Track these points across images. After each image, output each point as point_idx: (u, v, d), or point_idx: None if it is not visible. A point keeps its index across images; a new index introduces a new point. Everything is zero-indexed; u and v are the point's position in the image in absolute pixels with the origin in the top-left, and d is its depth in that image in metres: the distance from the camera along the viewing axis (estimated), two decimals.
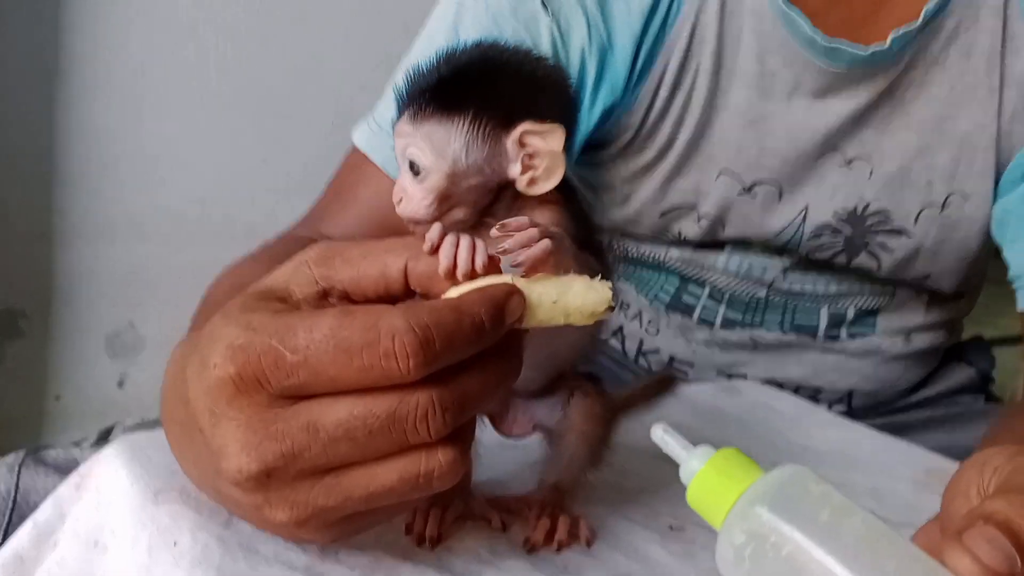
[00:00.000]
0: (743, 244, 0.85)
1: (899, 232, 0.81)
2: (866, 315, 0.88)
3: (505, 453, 0.57)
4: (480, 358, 0.38)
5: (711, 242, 0.85)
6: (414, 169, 0.45)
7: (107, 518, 0.49)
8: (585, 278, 0.40)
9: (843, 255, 0.83)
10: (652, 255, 0.89)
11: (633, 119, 0.78)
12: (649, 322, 0.91)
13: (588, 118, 0.76)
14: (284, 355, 0.36)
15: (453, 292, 0.39)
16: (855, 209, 0.80)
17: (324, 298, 0.41)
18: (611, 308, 0.40)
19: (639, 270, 0.91)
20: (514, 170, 0.45)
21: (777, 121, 0.78)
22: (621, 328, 0.94)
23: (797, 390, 0.90)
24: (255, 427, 0.37)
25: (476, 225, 0.46)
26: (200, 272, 1.50)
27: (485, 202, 0.46)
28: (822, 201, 0.80)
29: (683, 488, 0.34)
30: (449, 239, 0.40)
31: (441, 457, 0.38)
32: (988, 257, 0.83)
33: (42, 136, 1.40)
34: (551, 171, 0.45)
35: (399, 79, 0.47)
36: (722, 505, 0.32)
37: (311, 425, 0.37)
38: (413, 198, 0.45)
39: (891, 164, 0.78)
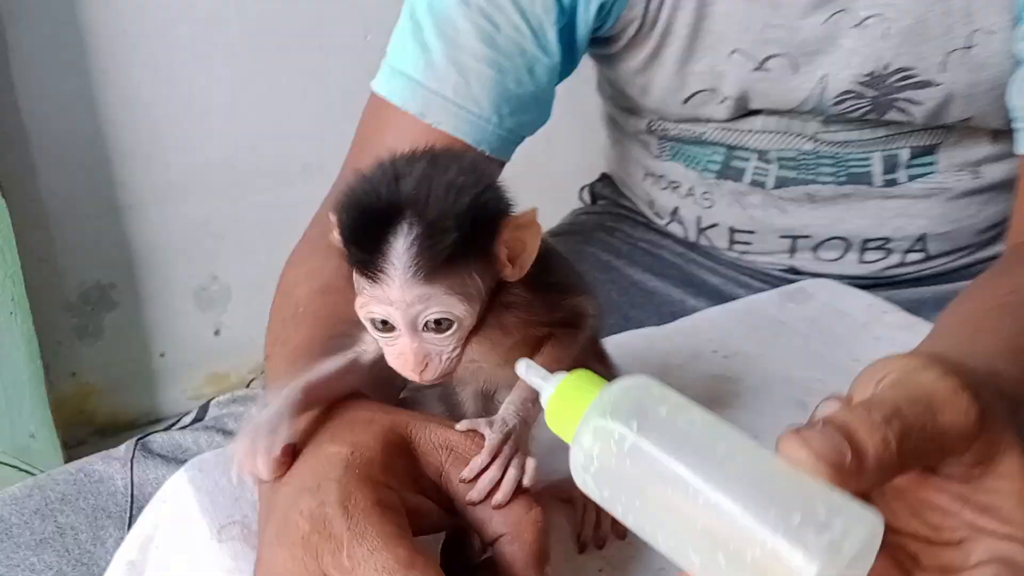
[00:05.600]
0: (775, 111, 0.82)
1: (926, 84, 0.76)
2: (923, 153, 0.83)
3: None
4: None
5: (743, 114, 0.83)
6: (440, 327, 0.44)
7: (183, 543, 0.54)
8: None
9: (872, 113, 0.79)
10: (691, 131, 0.87)
11: (634, 12, 0.77)
12: (703, 195, 0.90)
13: (586, 14, 0.75)
14: (343, 556, 0.38)
15: None
16: (873, 72, 0.76)
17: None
18: None
19: (683, 147, 0.89)
20: (505, 270, 0.45)
21: None
22: (676, 210, 0.93)
23: (865, 243, 0.88)
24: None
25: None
26: (265, 214, 1.55)
27: None
28: (839, 68, 0.76)
29: None
30: (497, 466, 0.43)
31: None
32: None
33: (87, 118, 1.42)
34: (532, 246, 0.45)
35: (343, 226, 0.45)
36: (573, 419, 0.35)
37: None
38: (440, 355, 0.44)
39: (907, 18, 0.73)
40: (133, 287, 1.54)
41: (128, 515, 0.63)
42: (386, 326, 0.44)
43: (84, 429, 1.51)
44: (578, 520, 0.52)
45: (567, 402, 0.36)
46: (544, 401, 0.37)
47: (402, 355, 0.44)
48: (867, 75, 0.76)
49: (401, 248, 0.41)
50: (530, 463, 0.44)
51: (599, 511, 0.52)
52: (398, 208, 0.42)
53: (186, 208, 1.51)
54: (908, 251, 0.88)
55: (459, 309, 0.43)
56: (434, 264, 0.42)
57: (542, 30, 0.74)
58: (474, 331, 0.45)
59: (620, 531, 0.52)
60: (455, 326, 0.43)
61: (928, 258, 0.88)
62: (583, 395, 0.35)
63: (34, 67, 1.37)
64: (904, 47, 0.74)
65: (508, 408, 0.45)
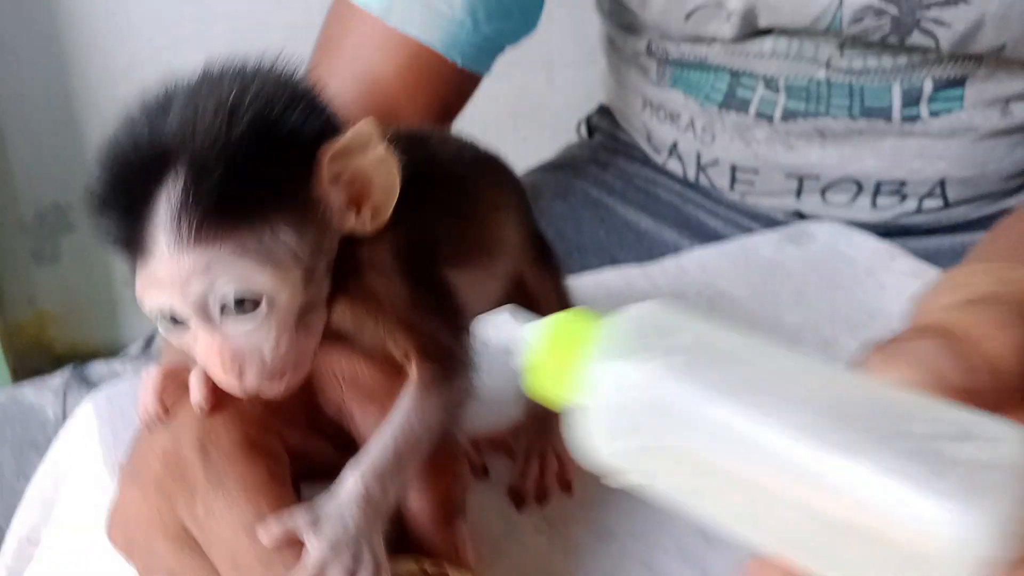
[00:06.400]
0: (786, 30, 0.74)
1: (955, 2, 0.67)
2: (949, 86, 0.75)
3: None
4: None
5: (751, 34, 0.75)
6: (243, 308, 0.31)
7: (89, 478, 0.49)
8: None
9: (893, 36, 0.70)
10: (693, 53, 0.78)
11: None
12: (703, 128, 0.82)
13: None
14: (196, 505, 0.32)
15: None
16: None
17: None
18: None
19: (684, 72, 0.81)
20: (348, 216, 0.33)
21: None
22: (675, 144, 0.85)
23: (879, 187, 0.80)
24: (139, 527, 0.34)
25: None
26: None
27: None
28: None
29: None
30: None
31: None
32: None
33: (44, 17, 1.33)
34: (382, 178, 0.33)
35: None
36: (568, 374, 0.25)
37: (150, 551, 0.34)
38: (258, 351, 0.31)
39: None
40: None
41: None
42: (177, 322, 0.32)
43: (41, 359, 1.44)
44: (517, 472, 0.45)
45: (557, 352, 0.25)
46: (521, 358, 0.26)
47: (209, 356, 0.32)
48: None
49: (163, 202, 0.30)
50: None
51: (543, 463, 0.45)
52: (162, 150, 0.31)
53: None
54: (925, 197, 0.80)
55: (261, 278, 0.30)
56: (205, 217, 0.30)
57: None
58: (325, 307, 0.34)
59: (565, 483, 0.45)
60: (264, 305, 0.31)
61: (947, 205, 0.80)
62: (580, 337, 0.25)
63: None
64: None
65: (347, 492, 0.32)
